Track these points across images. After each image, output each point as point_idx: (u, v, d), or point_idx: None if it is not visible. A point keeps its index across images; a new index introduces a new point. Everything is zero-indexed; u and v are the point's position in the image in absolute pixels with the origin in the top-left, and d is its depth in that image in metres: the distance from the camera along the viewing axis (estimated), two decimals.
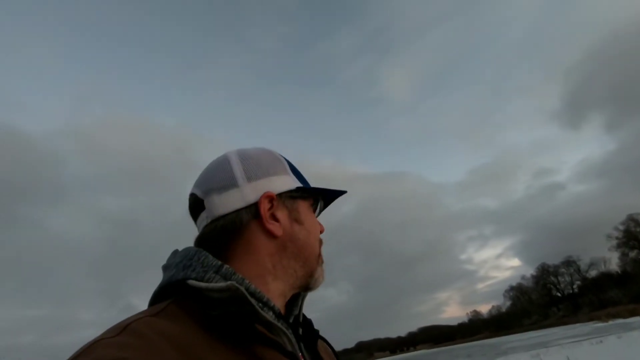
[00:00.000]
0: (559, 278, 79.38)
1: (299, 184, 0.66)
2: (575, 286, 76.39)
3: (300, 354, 0.57)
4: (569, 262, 76.68)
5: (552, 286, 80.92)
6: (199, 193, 0.61)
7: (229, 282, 0.50)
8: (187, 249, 0.59)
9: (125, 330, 0.44)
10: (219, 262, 0.55)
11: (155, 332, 0.44)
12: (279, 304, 0.60)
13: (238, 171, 0.61)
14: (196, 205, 0.61)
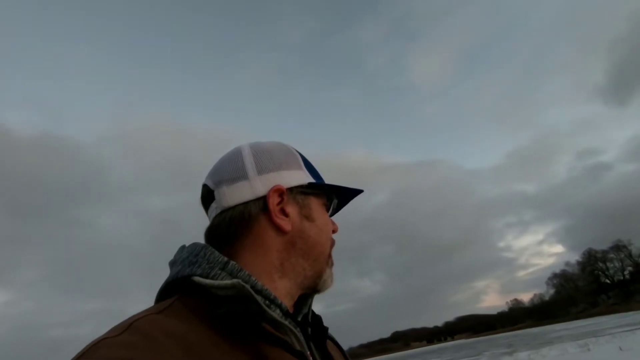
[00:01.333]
0: (608, 264, 74.77)
1: (312, 180, 0.64)
2: (626, 272, 71.63)
3: (308, 352, 0.56)
4: (618, 247, 71.85)
5: (600, 272, 76.38)
6: (210, 184, 0.61)
7: (234, 280, 0.50)
8: (193, 245, 0.58)
9: (129, 328, 0.43)
10: (225, 259, 0.54)
11: (160, 331, 0.43)
12: (287, 302, 0.58)
13: (249, 163, 0.61)
14: (207, 196, 0.61)
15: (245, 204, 0.58)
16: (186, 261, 0.55)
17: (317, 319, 0.65)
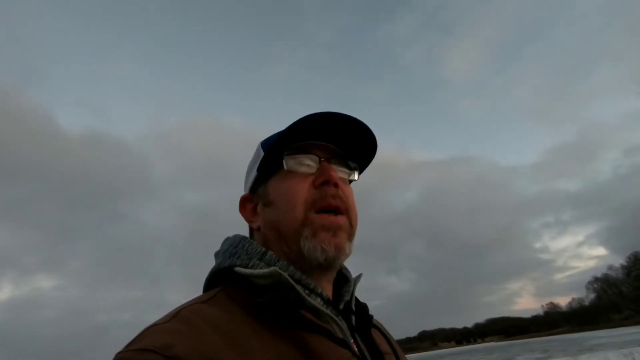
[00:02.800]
0: None
1: (258, 162, 0.63)
2: None
3: (352, 340, 0.56)
4: None
5: None
6: None
7: (271, 268, 0.51)
8: (234, 237, 0.62)
9: (176, 316, 0.47)
10: (263, 249, 0.56)
11: (202, 319, 0.46)
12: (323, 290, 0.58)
13: (244, 186, 0.69)
14: None
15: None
16: (227, 253, 0.58)
17: (362, 307, 0.64)
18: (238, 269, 0.53)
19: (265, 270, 0.51)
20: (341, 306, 0.61)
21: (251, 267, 0.54)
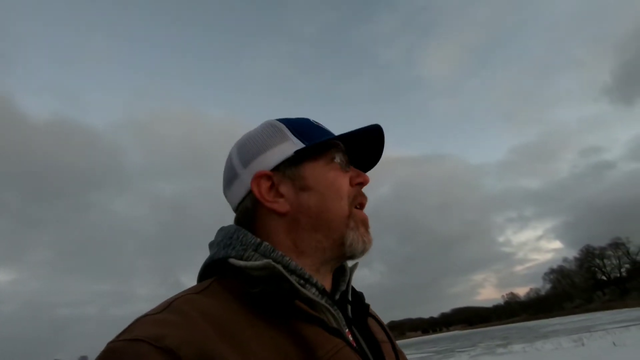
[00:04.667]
0: (605, 261, 75.13)
1: (300, 145, 0.59)
2: (623, 270, 72.10)
3: (347, 330, 0.55)
4: (617, 244, 72.14)
5: (597, 269, 76.84)
6: (223, 192, 0.64)
7: (265, 260, 0.50)
8: (228, 227, 0.59)
9: (169, 307, 0.46)
10: (258, 240, 0.55)
11: (195, 310, 0.45)
12: (319, 279, 0.57)
13: (235, 160, 0.61)
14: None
15: (243, 200, 0.59)
16: (221, 243, 0.56)
17: (358, 295, 0.63)
18: (232, 260, 0.52)
19: (259, 262, 0.51)
20: (337, 296, 0.61)
21: (246, 258, 0.53)
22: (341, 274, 0.64)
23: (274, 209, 0.58)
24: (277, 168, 0.59)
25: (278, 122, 0.63)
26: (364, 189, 0.63)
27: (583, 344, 13.87)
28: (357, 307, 0.61)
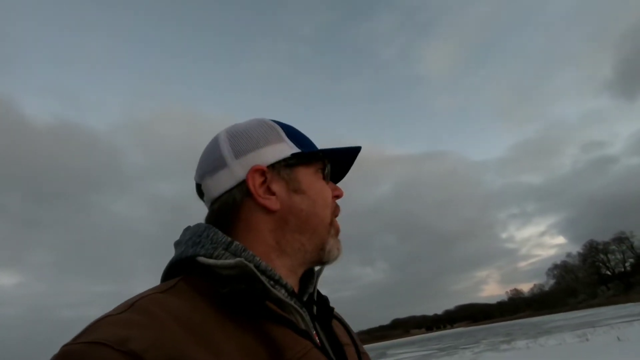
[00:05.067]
0: (609, 256, 74.85)
1: (296, 150, 0.60)
2: (627, 264, 71.76)
3: (314, 332, 0.55)
4: (620, 239, 71.84)
5: (601, 264, 76.56)
6: (197, 179, 0.61)
7: (237, 259, 0.50)
8: (197, 225, 0.58)
9: (132, 307, 0.43)
10: (229, 239, 0.54)
11: (162, 310, 0.43)
12: (291, 281, 0.57)
13: (226, 149, 0.59)
14: (199, 191, 0.62)
15: (229, 191, 0.58)
16: (190, 242, 0.55)
17: (324, 299, 0.64)
18: (201, 259, 0.51)
19: (231, 260, 0.50)
20: (305, 298, 0.61)
21: (216, 257, 0.52)
22: (309, 276, 0.64)
23: (265, 205, 0.57)
24: (272, 166, 0.59)
25: (273, 122, 0.63)
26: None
27: (587, 340, 13.79)
28: (322, 310, 0.62)
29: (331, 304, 0.65)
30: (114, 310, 0.43)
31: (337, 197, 0.65)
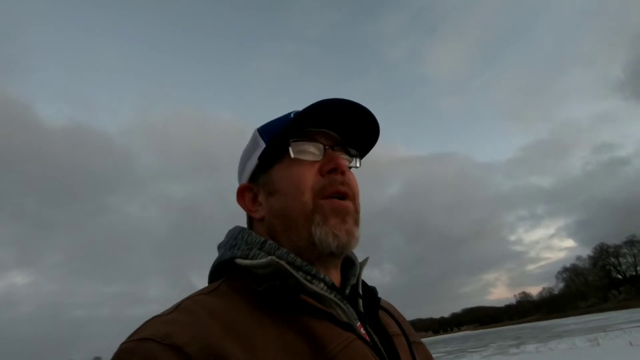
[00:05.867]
0: (620, 259, 73.63)
1: (261, 149, 0.61)
2: (639, 268, 70.44)
3: (359, 324, 0.55)
4: (632, 242, 70.64)
5: (611, 267, 75.33)
6: None
7: (269, 258, 0.51)
8: (233, 228, 0.61)
9: (178, 308, 0.47)
10: (262, 239, 0.56)
11: (203, 309, 0.46)
12: (331, 275, 0.58)
13: (237, 173, 0.67)
14: None
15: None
16: (227, 245, 0.58)
17: (370, 290, 0.63)
18: (239, 260, 0.54)
19: (264, 260, 0.52)
20: (347, 290, 0.60)
21: (252, 258, 0.54)
22: (350, 268, 0.63)
23: (254, 217, 0.61)
24: (252, 178, 0.63)
25: (256, 129, 0.64)
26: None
27: (598, 344, 13.62)
28: (368, 301, 0.61)
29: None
30: (163, 311, 0.48)
31: (333, 170, 0.58)
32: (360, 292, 0.61)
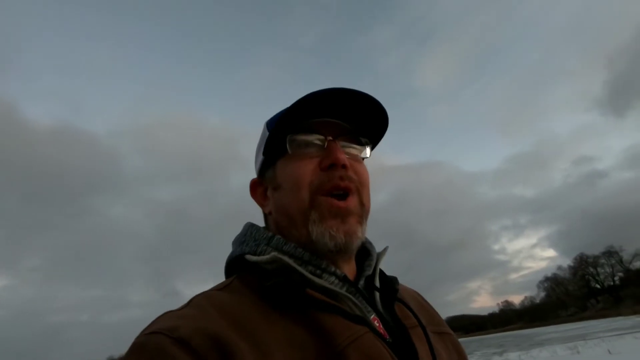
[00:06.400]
0: (599, 269, 75.59)
1: (263, 145, 0.60)
2: (616, 278, 72.55)
3: (373, 316, 0.53)
4: (610, 253, 72.67)
5: (590, 277, 77.23)
6: None
7: (272, 254, 0.52)
8: (244, 225, 0.61)
9: (189, 303, 0.49)
10: (270, 234, 0.56)
11: (211, 304, 0.48)
12: (344, 268, 0.56)
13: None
14: None
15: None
16: (237, 241, 0.60)
17: (389, 280, 0.61)
18: (248, 256, 0.55)
19: (267, 256, 0.52)
20: (361, 282, 0.58)
21: (259, 253, 0.54)
22: (366, 258, 0.61)
23: (264, 211, 0.63)
24: (260, 173, 0.63)
25: (266, 122, 0.63)
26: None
27: (578, 352, 13.92)
28: (386, 292, 0.58)
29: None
30: (177, 307, 0.49)
31: (333, 166, 0.55)
32: (378, 283, 0.59)
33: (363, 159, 0.62)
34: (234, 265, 0.58)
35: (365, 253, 0.62)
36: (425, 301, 0.71)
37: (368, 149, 0.63)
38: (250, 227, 0.60)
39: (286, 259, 0.50)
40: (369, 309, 0.54)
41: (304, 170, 0.55)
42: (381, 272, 0.61)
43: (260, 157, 0.61)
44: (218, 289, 0.52)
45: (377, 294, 0.58)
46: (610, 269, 73.70)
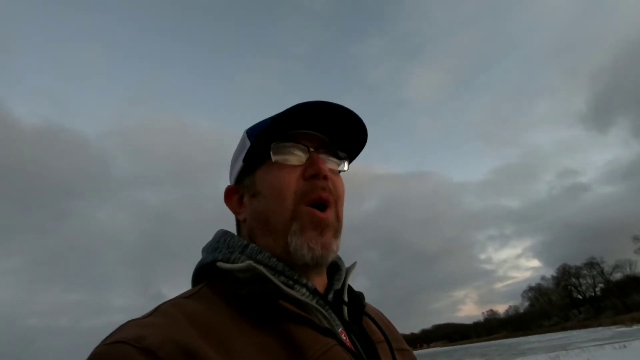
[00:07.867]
0: (581, 280, 76.95)
1: (244, 152, 0.60)
2: (597, 289, 73.90)
3: (341, 329, 0.54)
4: (591, 264, 74.12)
5: (573, 288, 78.51)
6: None
7: (247, 262, 0.50)
8: (217, 232, 0.61)
9: (155, 311, 0.46)
10: (245, 242, 0.55)
11: (180, 312, 0.45)
12: (315, 280, 0.56)
13: (229, 175, 0.67)
14: None
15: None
16: (209, 248, 0.58)
17: (356, 296, 0.62)
18: (220, 264, 0.53)
19: (242, 264, 0.50)
20: (330, 295, 0.58)
21: (232, 261, 0.53)
22: (335, 272, 0.62)
23: (238, 218, 0.62)
24: (238, 180, 0.62)
25: (245, 130, 0.63)
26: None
27: None
28: (353, 307, 0.59)
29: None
30: (141, 315, 0.47)
31: (315, 176, 0.56)
32: (346, 298, 0.59)
33: (339, 172, 0.64)
34: (203, 273, 0.56)
35: (334, 267, 0.63)
36: (387, 320, 0.73)
37: (346, 163, 0.65)
38: (224, 234, 0.58)
39: (261, 268, 0.50)
40: (338, 322, 0.54)
41: (289, 179, 0.56)
42: (349, 287, 0.62)
43: (240, 163, 0.61)
44: (186, 296, 0.50)
45: (345, 308, 0.58)
46: (592, 280, 75.18)
